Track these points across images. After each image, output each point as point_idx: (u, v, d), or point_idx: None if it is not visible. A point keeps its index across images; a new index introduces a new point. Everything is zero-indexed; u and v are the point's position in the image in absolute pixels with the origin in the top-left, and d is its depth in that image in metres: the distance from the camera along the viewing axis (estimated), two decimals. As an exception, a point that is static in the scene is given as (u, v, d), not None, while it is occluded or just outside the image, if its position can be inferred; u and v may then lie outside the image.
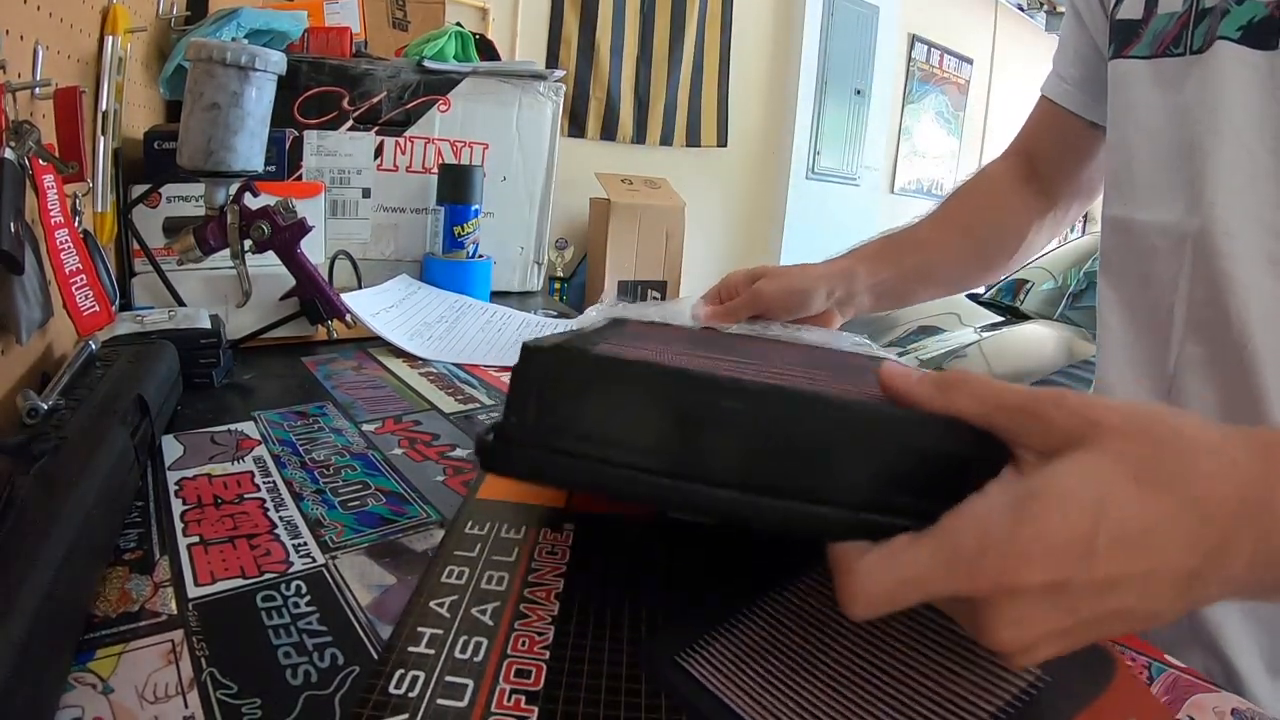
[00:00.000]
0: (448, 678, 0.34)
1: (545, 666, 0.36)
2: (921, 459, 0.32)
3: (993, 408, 0.31)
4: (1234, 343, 0.52)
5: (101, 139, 0.78)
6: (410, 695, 0.33)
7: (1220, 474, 0.28)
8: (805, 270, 0.69)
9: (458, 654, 0.36)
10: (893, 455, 0.32)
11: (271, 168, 0.93)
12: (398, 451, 0.61)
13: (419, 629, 0.38)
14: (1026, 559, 0.27)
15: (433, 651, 0.36)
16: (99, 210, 0.79)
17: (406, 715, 0.32)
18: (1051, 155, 0.75)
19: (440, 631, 0.38)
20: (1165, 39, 0.57)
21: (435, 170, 1.15)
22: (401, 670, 0.35)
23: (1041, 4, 5.62)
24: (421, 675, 0.34)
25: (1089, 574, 0.27)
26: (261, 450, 0.59)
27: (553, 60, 3.60)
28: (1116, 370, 0.62)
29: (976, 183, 0.80)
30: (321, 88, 1.08)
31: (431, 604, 0.40)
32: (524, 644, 0.37)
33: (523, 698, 0.33)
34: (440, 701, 0.33)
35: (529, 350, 0.34)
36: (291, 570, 0.44)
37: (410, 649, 0.36)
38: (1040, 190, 0.76)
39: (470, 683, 0.34)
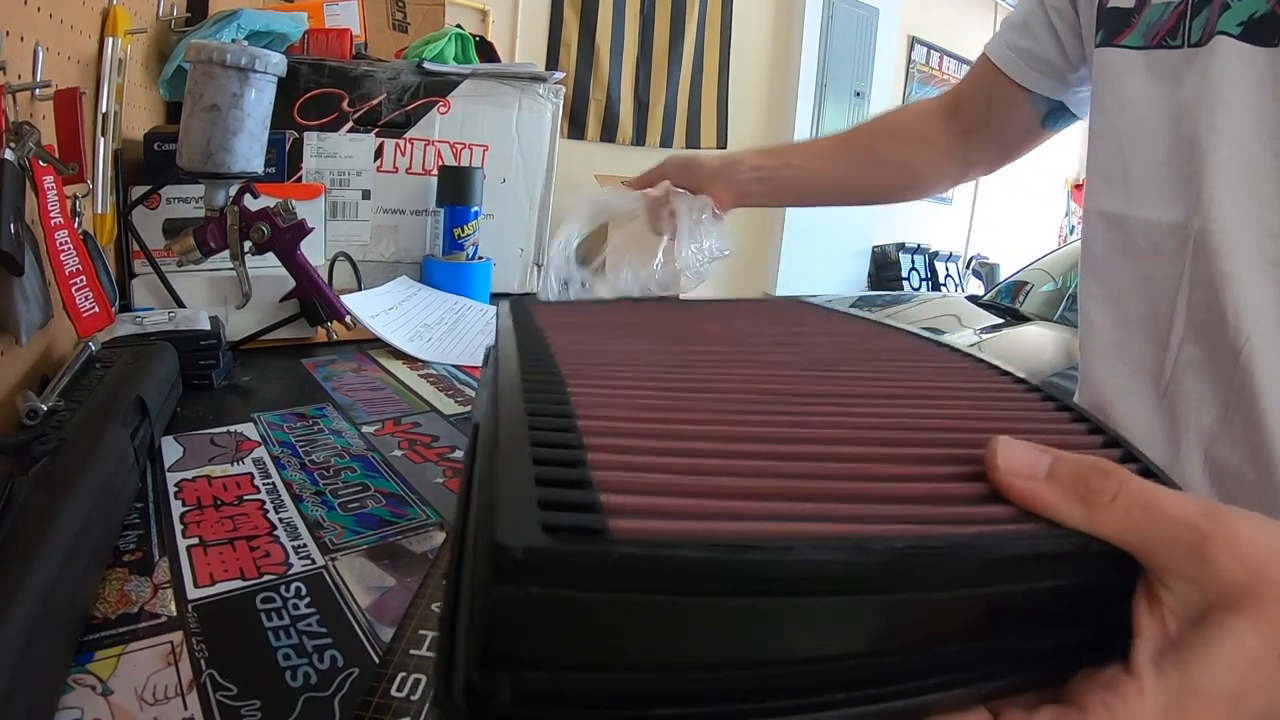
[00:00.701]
0: None
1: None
2: (1050, 597, 0.25)
3: (1146, 544, 0.25)
4: (1230, 343, 0.51)
5: (101, 140, 0.78)
6: (412, 699, 0.33)
7: None
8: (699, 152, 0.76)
9: None
10: (1022, 600, 0.24)
11: (271, 169, 0.93)
12: (397, 453, 0.61)
13: (420, 632, 0.38)
14: None
15: (434, 655, 0.36)
16: (99, 211, 0.79)
17: (408, 719, 0.32)
18: (979, 110, 0.76)
19: None
20: (1161, 29, 0.56)
21: (435, 172, 1.15)
22: (403, 673, 0.35)
23: (1041, 6, 5.62)
24: (423, 679, 0.34)
25: None
26: (261, 452, 0.59)
27: (553, 62, 3.60)
28: (1106, 368, 0.61)
29: (898, 112, 0.83)
30: (321, 89, 1.08)
31: (434, 607, 0.40)
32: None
33: (524, 701, 0.33)
34: None
35: (513, 557, 0.19)
36: (291, 572, 0.44)
37: (412, 652, 0.36)
38: (958, 136, 0.78)
39: None
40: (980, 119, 0.76)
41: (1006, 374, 0.38)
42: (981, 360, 0.40)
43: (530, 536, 0.19)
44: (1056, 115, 0.71)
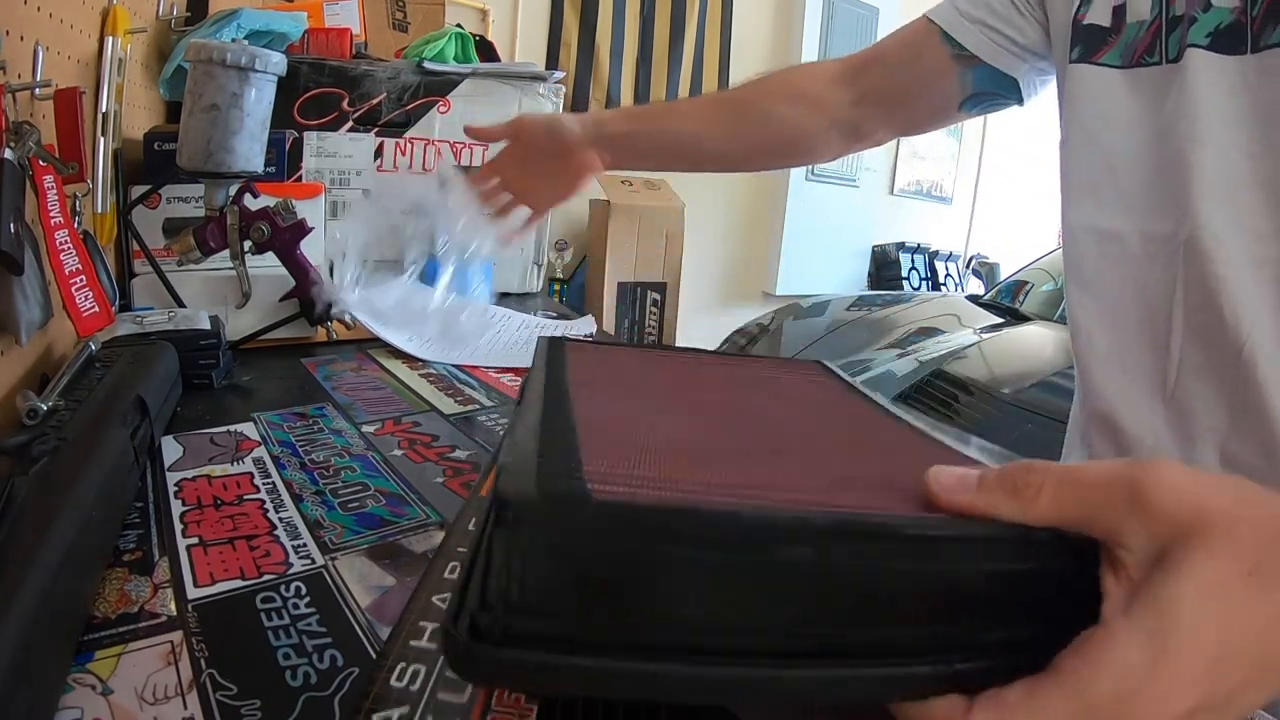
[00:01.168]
0: (449, 672, 0.34)
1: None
2: (1011, 584, 0.27)
3: (1084, 514, 0.27)
4: (1230, 343, 0.52)
5: (101, 140, 0.78)
6: (412, 689, 0.33)
7: None
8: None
9: None
10: (980, 586, 0.27)
11: (271, 169, 0.93)
12: (397, 453, 0.61)
13: (421, 624, 0.38)
14: (1167, 700, 0.25)
15: (434, 646, 0.36)
16: (99, 211, 0.79)
17: (407, 709, 0.32)
18: (895, 77, 0.73)
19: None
20: (1139, 48, 0.56)
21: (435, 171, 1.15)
22: (403, 664, 0.35)
23: (1041, 6, 5.61)
24: (423, 670, 0.34)
25: (1224, 688, 0.26)
26: (261, 451, 0.59)
27: (553, 62, 3.60)
28: (1108, 378, 0.61)
29: (788, 72, 0.80)
30: (321, 89, 1.08)
31: (434, 599, 0.40)
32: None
33: (523, 695, 0.33)
34: (441, 696, 0.33)
35: (513, 504, 0.23)
36: (291, 571, 0.44)
37: (412, 643, 0.36)
38: (855, 103, 0.74)
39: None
40: (893, 87, 0.73)
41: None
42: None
43: (526, 492, 0.23)
44: (979, 100, 0.70)
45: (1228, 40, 0.50)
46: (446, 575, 0.42)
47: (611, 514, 0.24)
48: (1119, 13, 0.58)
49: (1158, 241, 0.56)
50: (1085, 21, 0.60)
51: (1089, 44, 0.60)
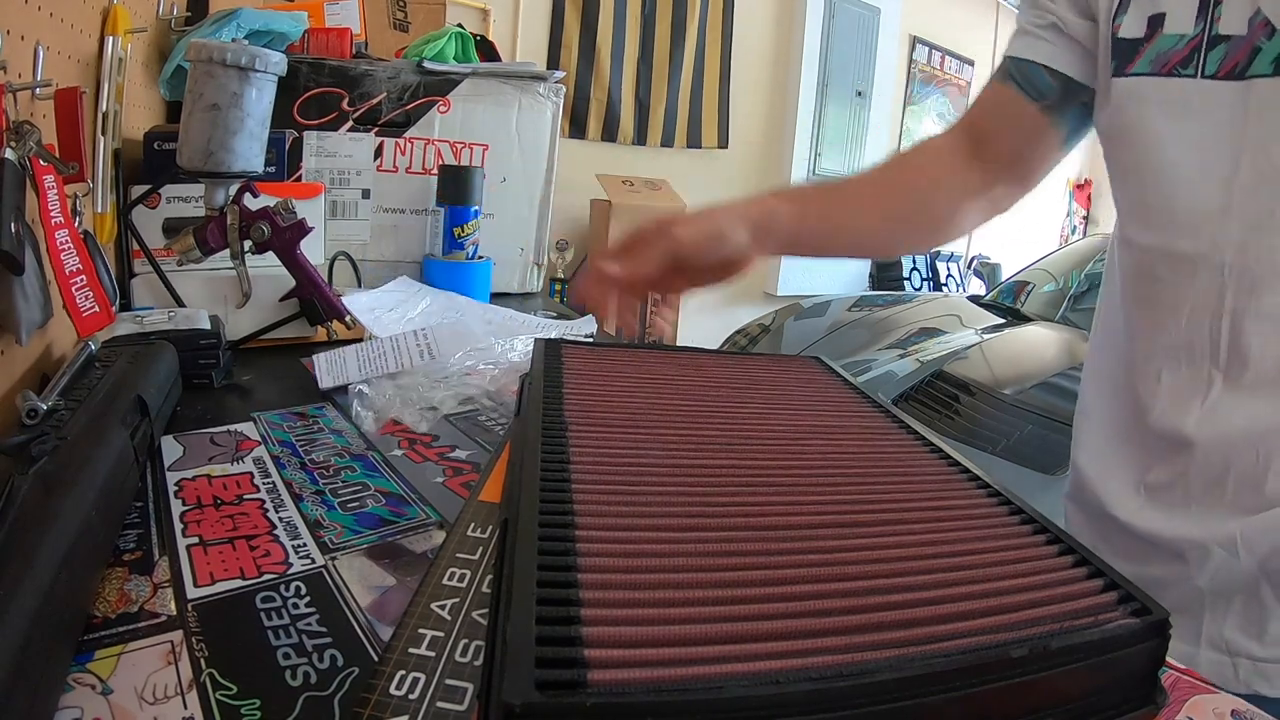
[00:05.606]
0: (448, 681, 0.34)
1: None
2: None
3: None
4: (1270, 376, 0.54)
5: (102, 139, 0.78)
6: (410, 697, 0.33)
7: None
8: (722, 210, 0.66)
9: (458, 657, 0.36)
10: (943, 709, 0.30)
11: (271, 168, 0.93)
12: (397, 453, 0.61)
13: (420, 631, 0.38)
14: None
15: (433, 654, 0.36)
16: (99, 211, 0.79)
17: (406, 717, 0.32)
18: (1005, 145, 0.73)
19: (441, 634, 0.38)
20: (1173, 59, 0.56)
21: (435, 171, 1.15)
22: (402, 672, 0.35)
23: (1042, 6, 5.61)
24: (422, 678, 0.34)
25: None
26: (261, 451, 0.59)
27: (553, 61, 3.60)
28: (1156, 392, 0.61)
29: (913, 153, 0.79)
30: (321, 89, 1.08)
31: (433, 606, 0.40)
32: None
33: (521, 702, 0.33)
34: (440, 704, 0.33)
35: (514, 712, 0.25)
36: (291, 571, 0.44)
37: (411, 650, 0.36)
38: (983, 169, 0.74)
39: (470, 687, 0.34)
40: (1009, 155, 0.73)
41: (989, 490, 0.46)
42: (969, 472, 0.48)
43: (527, 694, 0.25)
44: (1076, 132, 0.69)
45: None
46: (446, 581, 0.42)
47: (604, 710, 0.25)
48: (1155, 22, 0.57)
49: (1205, 260, 0.56)
50: (1120, 35, 0.59)
51: (1123, 57, 0.59)
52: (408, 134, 1.15)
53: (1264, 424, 0.55)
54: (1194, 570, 0.58)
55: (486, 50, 1.40)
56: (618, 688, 0.26)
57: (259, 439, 0.62)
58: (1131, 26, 0.59)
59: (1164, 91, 0.57)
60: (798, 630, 0.30)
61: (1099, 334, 0.71)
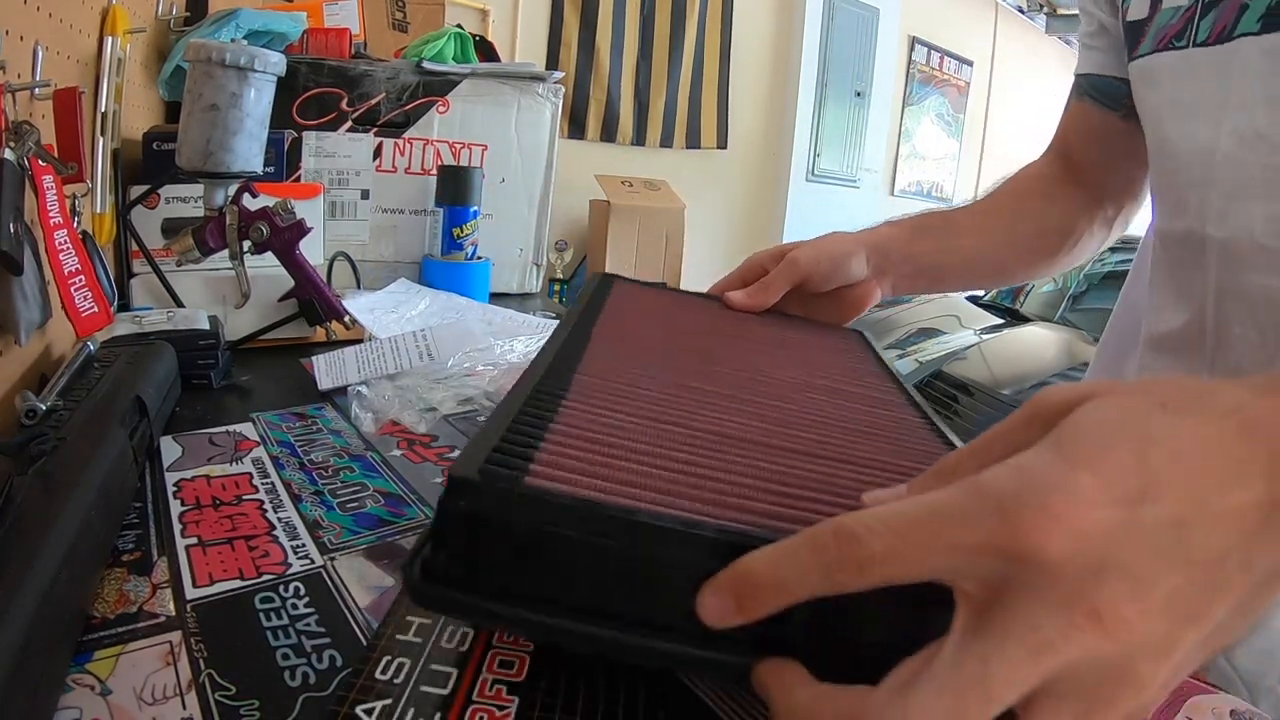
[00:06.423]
0: (432, 665, 0.35)
1: (529, 658, 0.36)
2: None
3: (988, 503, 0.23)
4: (1252, 358, 0.51)
5: (101, 140, 0.78)
6: (395, 681, 0.34)
7: (1242, 397, 0.25)
8: (841, 236, 0.65)
9: (444, 643, 0.37)
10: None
11: (270, 169, 0.93)
12: (396, 453, 0.61)
13: (409, 618, 0.38)
14: (1081, 495, 0.22)
15: (420, 640, 0.36)
16: (98, 211, 0.79)
17: (390, 701, 0.32)
18: (1089, 151, 0.71)
19: (429, 621, 0.38)
20: (1168, 33, 0.55)
21: (434, 172, 1.15)
22: (389, 657, 0.35)
23: (1041, 6, 5.61)
24: (407, 662, 0.35)
25: (1155, 513, 0.22)
26: (260, 451, 0.59)
27: (553, 62, 3.60)
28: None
29: (1017, 180, 0.76)
30: (320, 89, 1.08)
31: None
32: (510, 635, 0.38)
33: (504, 688, 0.34)
34: (423, 688, 0.33)
35: (455, 482, 0.29)
36: (290, 572, 0.44)
37: (398, 637, 0.36)
38: (1085, 189, 0.72)
39: (454, 671, 0.34)
40: (1096, 164, 0.71)
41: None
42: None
43: (469, 474, 0.29)
44: None
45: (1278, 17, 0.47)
46: None
47: (527, 497, 0.29)
48: (1155, 1, 0.56)
49: (1196, 238, 0.54)
50: (1129, 18, 0.58)
51: (1132, 40, 0.58)
52: (407, 134, 1.15)
53: None
54: None
55: (486, 50, 1.40)
56: (549, 490, 0.30)
57: (258, 439, 0.62)
58: (1137, 7, 0.58)
59: (1162, 68, 0.56)
60: (729, 504, 0.32)
61: (1109, 329, 0.70)
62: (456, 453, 0.62)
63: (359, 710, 0.32)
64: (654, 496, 0.31)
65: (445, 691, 0.33)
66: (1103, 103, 0.67)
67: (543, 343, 0.47)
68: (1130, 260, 0.77)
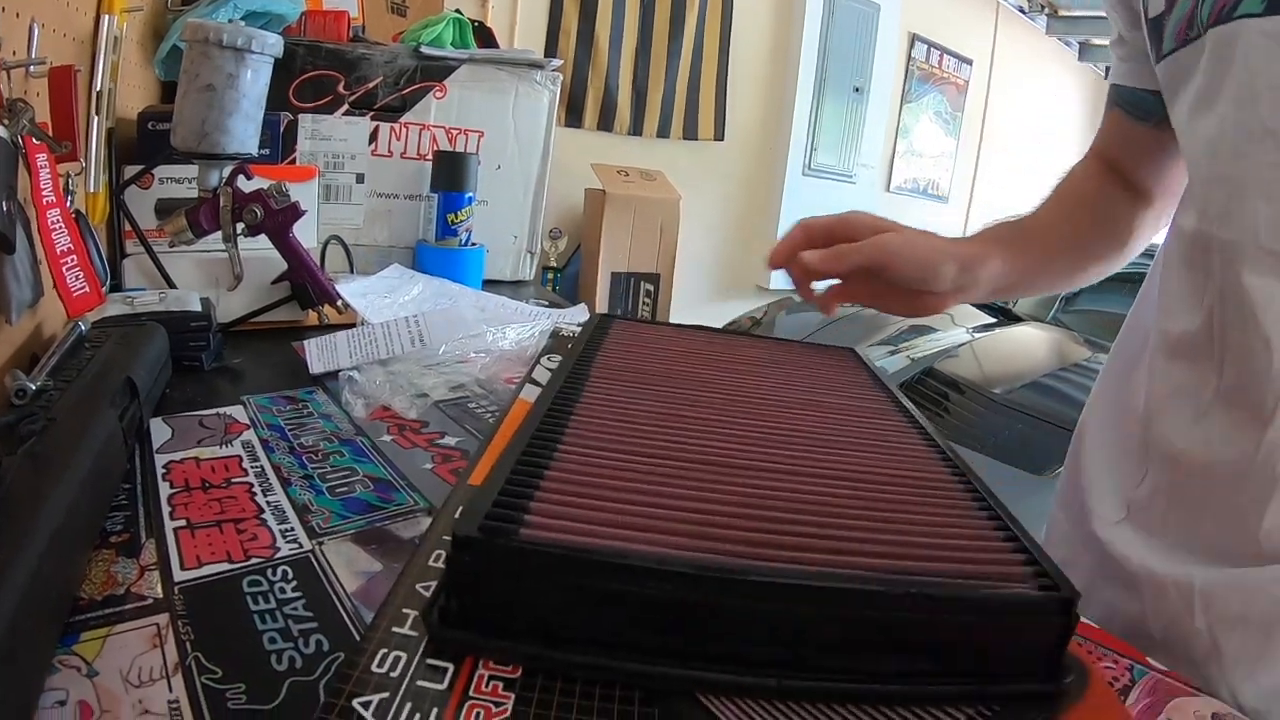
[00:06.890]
0: (429, 660, 0.34)
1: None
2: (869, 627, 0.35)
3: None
4: (1266, 369, 0.47)
5: (95, 119, 0.77)
6: (392, 675, 0.33)
7: None
8: (937, 241, 0.64)
9: None
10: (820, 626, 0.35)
11: (265, 151, 0.93)
12: (386, 438, 0.61)
13: (404, 610, 0.38)
14: None
15: (416, 634, 0.36)
16: (91, 190, 0.79)
17: (387, 694, 0.32)
18: (1124, 158, 0.71)
19: None
20: (1182, 26, 0.52)
21: (430, 157, 1.15)
22: (385, 650, 0.35)
23: (1042, 6, 5.59)
24: (404, 656, 0.34)
25: None
26: (250, 435, 0.59)
27: (551, 49, 3.58)
28: (1156, 394, 0.58)
29: (1071, 179, 0.75)
30: (317, 71, 1.07)
31: (418, 587, 0.40)
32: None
33: (500, 684, 0.34)
34: (420, 683, 0.33)
35: (459, 540, 0.34)
36: (278, 555, 0.44)
37: (394, 629, 0.36)
38: (1130, 191, 0.71)
39: (451, 666, 0.34)
40: (1136, 166, 0.70)
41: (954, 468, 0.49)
42: (945, 455, 0.51)
43: (471, 531, 0.34)
44: None
45: None
46: (431, 563, 0.42)
47: (522, 553, 0.34)
48: None
49: (1186, 240, 0.53)
50: (1150, 16, 0.56)
51: (1154, 40, 0.56)
52: (403, 119, 1.14)
53: (1248, 443, 0.48)
54: (1147, 611, 0.53)
55: (484, 36, 1.39)
56: (540, 541, 0.34)
57: (248, 422, 0.62)
58: (1155, 4, 0.55)
59: (1177, 65, 0.53)
60: (709, 534, 0.36)
61: (1122, 334, 0.68)
62: (447, 439, 0.62)
63: (355, 703, 0.32)
64: (643, 536, 0.35)
65: (442, 686, 0.33)
66: (1133, 114, 0.67)
67: (543, 375, 0.55)
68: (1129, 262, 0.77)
